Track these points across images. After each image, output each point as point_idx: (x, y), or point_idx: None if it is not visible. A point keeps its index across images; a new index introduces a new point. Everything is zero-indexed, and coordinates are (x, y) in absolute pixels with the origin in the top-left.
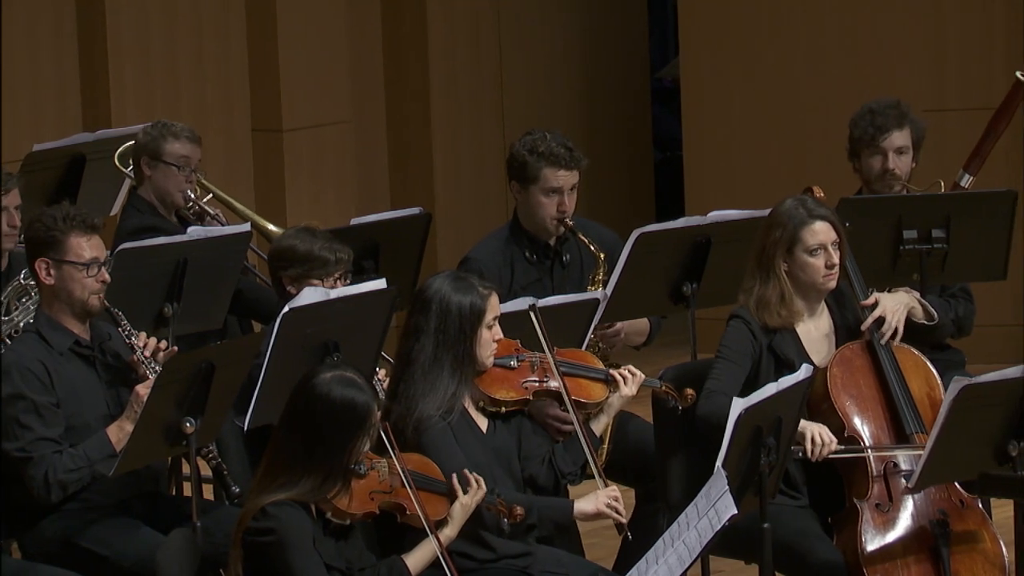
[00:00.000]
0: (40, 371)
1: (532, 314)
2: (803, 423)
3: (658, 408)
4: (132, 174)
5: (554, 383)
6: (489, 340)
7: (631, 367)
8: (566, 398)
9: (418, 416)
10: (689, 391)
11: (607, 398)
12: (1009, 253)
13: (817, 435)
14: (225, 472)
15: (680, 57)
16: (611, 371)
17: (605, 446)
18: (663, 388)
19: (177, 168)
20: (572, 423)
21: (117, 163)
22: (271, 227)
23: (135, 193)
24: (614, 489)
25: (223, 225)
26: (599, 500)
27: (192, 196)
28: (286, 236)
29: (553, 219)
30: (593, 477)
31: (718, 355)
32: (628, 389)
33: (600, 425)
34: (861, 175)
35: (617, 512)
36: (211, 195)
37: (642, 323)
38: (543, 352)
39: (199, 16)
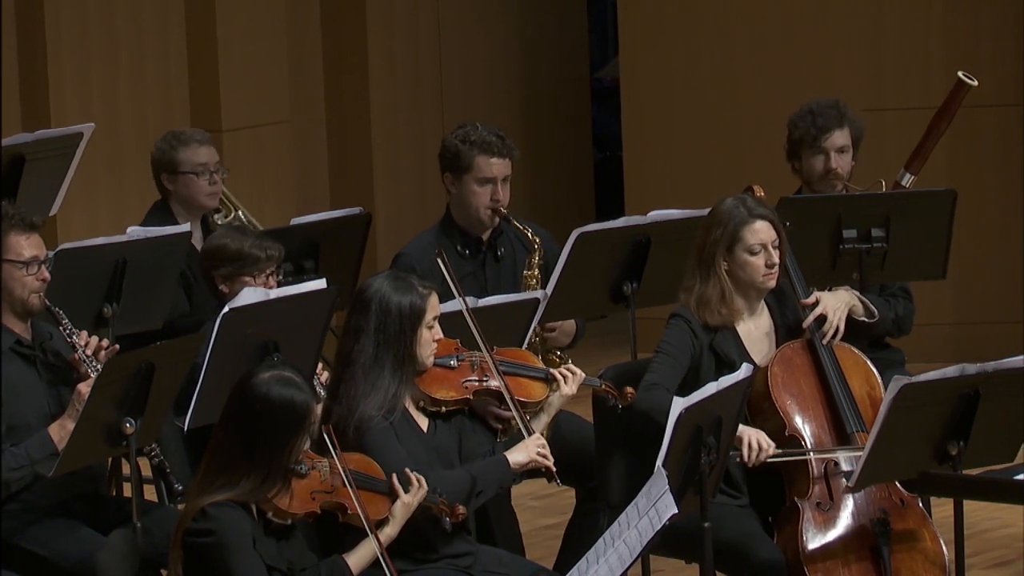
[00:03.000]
0: None
1: (466, 314)
2: (740, 428)
3: (598, 407)
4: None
5: (494, 382)
6: (429, 340)
7: (571, 366)
8: (507, 397)
9: (359, 416)
10: (629, 390)
11: (547, 397)
12: (949, 252)
13: (754, 440)
14: (167, 470)
15: (619, 57)
16: (551, 370)
17: None
18: (603, 387)
19: (196, 175)
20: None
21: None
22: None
23: (164, 205)
24: (539, 437)
25: None
26: (529, 449)
27: (246, 216)
28: (216, 236)
29: (487, 208)
30: (535, 477)
31: (657, 351)
32: (568, 388)
33: (540, 424)
34: (802, 176)
35: (546, 458)
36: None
37: (569, 324)
38: (482, 352)
39: (139, 16)
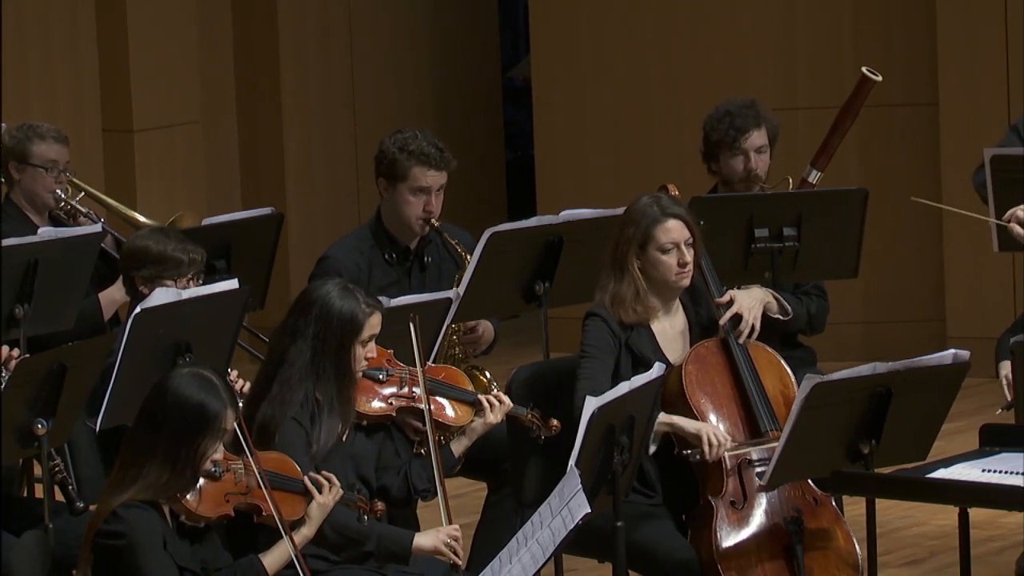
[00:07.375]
0: None
1: (411, 325)
2: (695, 424)
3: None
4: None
5: (419, 402)
6: (361, 356)
7: (500, 394)
8: (427, 421)
9: (281, 419)
10: (554, 422)
11: (471, 422)
12: (860, 251)
13: (713, 436)
14: (70, 486)
15: (531, 56)
16: (479, 396)
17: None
18: (529, 416)
19: (45, 170)
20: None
21: None
22: (142, 219)
23: (8, 198)
24: (456, 529)
25: (95, 222)
26: (439, 538)
27: (63, 196)
28: (139, 237)
29: (419, 219)
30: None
31: (583, 354)
32: (493, 417)
33: (460, 446)
34: (720, 176)
35: (455, 553)
36: (83, 194)
37: (489, 332)
38: (414, 366)
39: (48, 17)
